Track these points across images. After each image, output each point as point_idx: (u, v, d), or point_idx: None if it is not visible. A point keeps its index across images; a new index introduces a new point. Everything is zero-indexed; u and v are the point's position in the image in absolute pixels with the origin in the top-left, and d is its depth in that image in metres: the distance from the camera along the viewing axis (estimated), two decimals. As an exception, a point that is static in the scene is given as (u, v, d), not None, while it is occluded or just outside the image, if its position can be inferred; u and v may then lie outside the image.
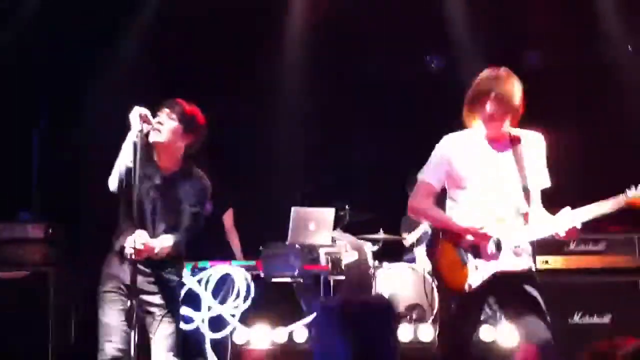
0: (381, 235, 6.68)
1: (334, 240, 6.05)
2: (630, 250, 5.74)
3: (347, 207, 6.47)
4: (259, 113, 7.10)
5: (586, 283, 5.77)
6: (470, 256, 3.61)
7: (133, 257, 3.65)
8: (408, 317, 6.30)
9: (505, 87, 3.63)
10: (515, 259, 3.59)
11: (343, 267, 5.96)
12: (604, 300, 5.77)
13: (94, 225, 3.99)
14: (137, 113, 3.75)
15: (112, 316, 3.77)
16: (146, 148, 3.78)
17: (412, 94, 7.25)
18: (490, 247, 3.59)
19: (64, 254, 5.87)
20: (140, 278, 3.73)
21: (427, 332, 5.88)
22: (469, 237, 3.61)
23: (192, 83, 6.42)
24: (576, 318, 5.79)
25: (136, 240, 3.67)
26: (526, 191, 3.66)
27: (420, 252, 6.52)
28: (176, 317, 3.88)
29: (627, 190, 3.48)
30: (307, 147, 7.15)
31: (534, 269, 3.68)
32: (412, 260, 6.61)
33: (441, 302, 3.84)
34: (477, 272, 3.60)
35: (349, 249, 6.06)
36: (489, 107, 3.63)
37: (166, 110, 3.89)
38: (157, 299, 3.81)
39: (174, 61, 6.91)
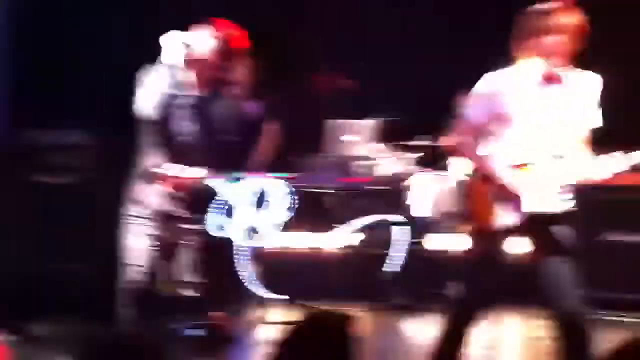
0: (420, 142, 6.65)
1: (369, 151, 6.09)
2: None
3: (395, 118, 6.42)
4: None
5: (625, 200, 5.75)
6: (499, 197, 3.64)
7: (165, 189, 3.72)
8: (442, 225, 6.41)
9: (567, 19, 3.53)
10: (551, 201, 3.61)
11: (377, 179, 6.03)
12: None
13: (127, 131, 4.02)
14: (179, 40, 3.72)
15: (138, 241, 3.84)
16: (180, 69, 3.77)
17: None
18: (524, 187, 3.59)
19: (112, 163, 5.98)
20: (171, 204, 3.80)
21: (459, 242, 5.99)
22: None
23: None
24: (614, 235, 5.81)
25: (169, 174, 3.72)
26: (572, 131, 3.63)
27: (454, 161, 6.51)
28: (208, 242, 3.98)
29: None
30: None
31: (569, 211, 3.65)
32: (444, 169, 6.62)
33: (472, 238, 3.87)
34: (509, 214, 3.63)
35: (384, 160, 6.09)
36: (548, 41, 3.53)
37: (206, 28, 3.85)
38: (189, 225, 3.88)
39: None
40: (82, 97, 6.52)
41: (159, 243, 3.79)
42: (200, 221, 4.02)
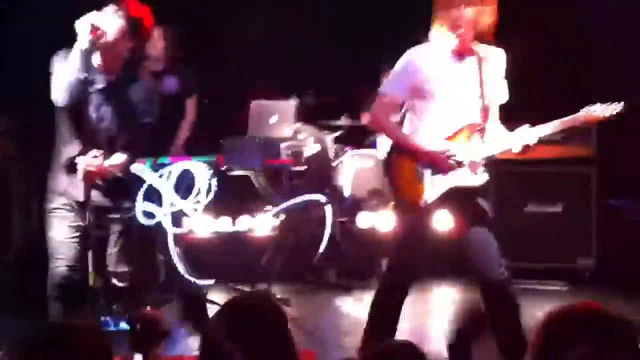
0: (344, 121, 6.71)
1: (295, 133, 6.06)
2: (586, 141, 5.85)
3: (309, 92, 6.45)
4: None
5: (541, 172, 5.91)
6: (427, 172, 3.67)
7: (86, 178, 3.63)
8: (369, 203, 6.45)
9: None
10: (471, 174, 3.66)
11: (304, 160, 6.01)
12: (558, 190, 5.94)
13: (50, 118, 3.91)
14: (87, 23, 3.62)
15: (62, 233, 3.75)
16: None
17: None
18: (451, 164, 3.64)
19: (22, 146, 5.83)
20: (94, 193, 3.73)
21: (387, 219, 6.04)
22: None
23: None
24: (530, 206, 5.97)
25: (89, 162, 3.63)
26: (485, 105, 3.69)
27: (383, 140, 6.57)
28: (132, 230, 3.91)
29: (586, 108, 3.57)
30: (267, 35, 7.01)
31: (486, 183, 3.74)
32: (374, 144, 6.67)
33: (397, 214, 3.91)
34: (432, 188, 3.66)
35: (310, 141, 6.09)
36: (465, 15, 3.57)
37: (113, 8, 3.75)
38: (113, 214, 3.81)
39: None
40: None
41: (81, 233, 3.69)
42: (124, 209, 3.93)
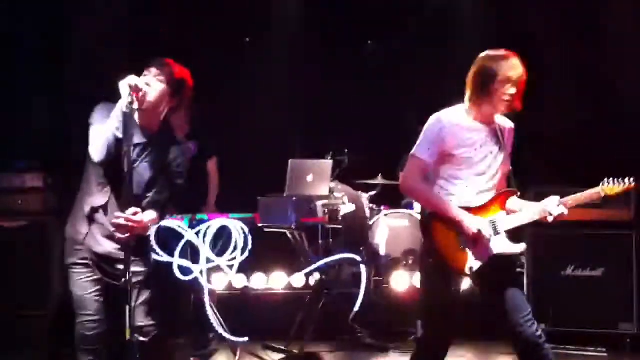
0: (380, 180, 6.73)
1: (331, 191, 6.08)
2: (625, 204, 5.78)
3: (345, 151, 6.50)
4: (257, 63, 7.07)
5: (581, 235, 5.84)
6: (467, 242, 3.66)
7: (121, 236, 3.61)
8: (404, 262, 6.41)
9: (518, 69, 3.64)
10: (509, 243, 3.69)
11: (340, 218, 6.01)
12: (597, 254, 5.85)
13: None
14: (128, 83, 3.66)
15: (82, 287, 3.75)
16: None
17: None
18: (488, 231, 3.65)
19: (63, 203, 5.90)
20: (112, 247, 3.72)
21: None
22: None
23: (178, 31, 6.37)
24: (570, 270, 5.88)
25: (128, 217, 3.62)
26: (507, 173, 3.78)
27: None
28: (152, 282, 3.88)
29: (601, 184, 3.76)
30: (304, 95, 7.12)
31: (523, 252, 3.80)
32: (410, 205, 6.66)
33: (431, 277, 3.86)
34: (475, 257, 3.66)
35: (346, 200, 6.09)
36: (512, 90, 3.63)
37: (154, 70, 3.80)
38: (135, 268, 3.75)
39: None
40: (30, 138, 6.47)
41: (101, 286, 3.71)
42: (139, 262, 3.93)
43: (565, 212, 3.69)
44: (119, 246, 3.70)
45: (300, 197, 5.87)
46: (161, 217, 3.89)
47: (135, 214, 3.62)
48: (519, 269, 3.83)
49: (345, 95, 7.10)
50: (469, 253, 3.66)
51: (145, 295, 3.83)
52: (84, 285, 3.75)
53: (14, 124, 6.41)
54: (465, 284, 4.06)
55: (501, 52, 3.72)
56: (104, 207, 3.75)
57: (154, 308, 3.86)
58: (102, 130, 3.65)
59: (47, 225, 5.76)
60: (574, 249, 5.87)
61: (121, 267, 3.60)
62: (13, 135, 6.34)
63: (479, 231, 3.64)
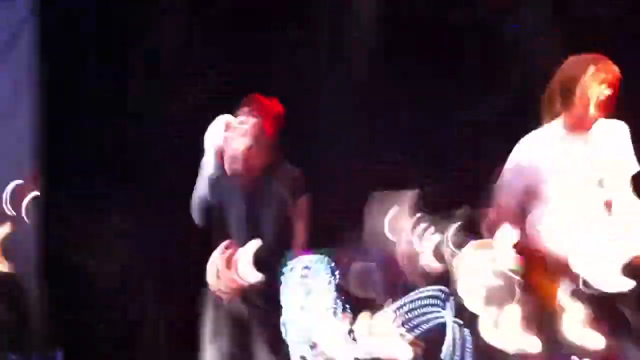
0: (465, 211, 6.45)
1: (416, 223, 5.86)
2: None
3: (429, 181, 6.27)
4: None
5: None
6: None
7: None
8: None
9: (608, 66, 3.36)
10: (613, 278, 3.34)
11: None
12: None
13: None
14: (213, 146, 3.44)
15: None
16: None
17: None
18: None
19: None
20: None
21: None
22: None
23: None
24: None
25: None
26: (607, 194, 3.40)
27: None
28: None
29: None
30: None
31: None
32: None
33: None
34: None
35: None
36: (607, 91, 3.32)
37: (247, 109, 3.64)
38: None
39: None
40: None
41: None
42: None
43: None
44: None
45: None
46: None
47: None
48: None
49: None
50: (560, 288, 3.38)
51: None
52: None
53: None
54: None
55: None
56: None
57: None
58: (195, 191, 3.48)
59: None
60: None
61: None
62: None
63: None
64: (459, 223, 6.51)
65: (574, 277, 3.35)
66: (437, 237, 5.98)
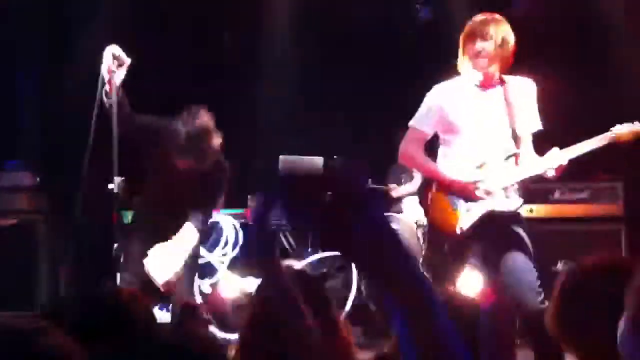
0: (369, 185, 6.71)
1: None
2: (613, 199, 5.82)
3: (335, 157, 6.49)
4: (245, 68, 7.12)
5: (570, 231, 5.86)
6: (461, 201, 3.68)
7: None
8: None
9: (497, 28, 3.66)
10: (505, 200, 3.65)
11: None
12: (587, 248, 5.87)
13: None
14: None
15: None
16: None
17: (399, 44, 7.25)
18: (480, 193, 3.65)
19: (55, 204, 5.85)
20: None
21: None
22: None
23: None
24: (559, 265, 5.88)
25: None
26: (515, 133, 3.72)
27: (409, 204, 6.57)
28: None
29: (611, 129, 3.64)
30: (289, 99, 7.17)
31: (522, 208, 3.73)
32: (399, 212, 6.66)
33: (430, 245, 3.89)
34: (468, 215, 3.66)
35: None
36: (478, 44, 3.65)
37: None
38: None
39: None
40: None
41: None
42: None
43: (564, 162, 3.61)
44: None
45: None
46: None
47: None
48: (520, 229, 3.71)
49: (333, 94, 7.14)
50: (460, 212, 3.66)
51: None
52: None
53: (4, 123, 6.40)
54: None
55: None
56: None
57: None
58: None
59: (36, 225, 5.72)
60: (563, 244, 5.89)
61: None
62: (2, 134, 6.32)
63: (464, 184, 3.63)
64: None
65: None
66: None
